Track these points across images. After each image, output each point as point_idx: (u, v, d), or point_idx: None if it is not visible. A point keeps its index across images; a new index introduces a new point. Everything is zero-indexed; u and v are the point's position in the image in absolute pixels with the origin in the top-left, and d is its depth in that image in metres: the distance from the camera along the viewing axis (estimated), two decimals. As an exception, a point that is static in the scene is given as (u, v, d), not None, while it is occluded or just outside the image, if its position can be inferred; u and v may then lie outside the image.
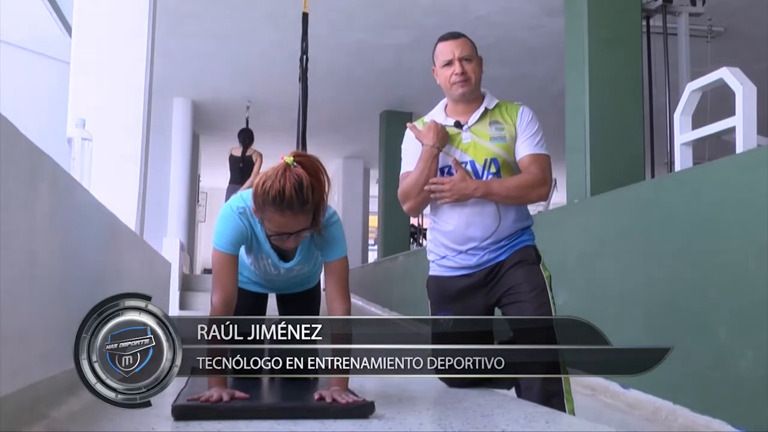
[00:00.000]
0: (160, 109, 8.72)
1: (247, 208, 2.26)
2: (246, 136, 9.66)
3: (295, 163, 2.06)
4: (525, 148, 2.66)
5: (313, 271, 2.56)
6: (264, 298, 2.75)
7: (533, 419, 2.11)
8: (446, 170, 2.66)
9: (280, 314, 2.78)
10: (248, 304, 2.56)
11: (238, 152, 9.56)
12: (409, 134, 2.79)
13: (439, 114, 2.75)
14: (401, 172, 2.81)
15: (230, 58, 9.32)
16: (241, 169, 9.37)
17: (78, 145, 4.40)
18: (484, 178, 2.63)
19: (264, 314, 2.78)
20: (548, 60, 8.58)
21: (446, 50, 2.67)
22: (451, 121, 2.70)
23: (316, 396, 2.07)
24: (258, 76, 9.95)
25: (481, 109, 2.68)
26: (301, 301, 2.70)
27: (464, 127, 2.67)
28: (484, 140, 2.65)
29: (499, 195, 2.61)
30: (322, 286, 2.42)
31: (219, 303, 2.19)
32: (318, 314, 2.83)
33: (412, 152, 2.76)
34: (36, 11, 7.13)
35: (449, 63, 2.66)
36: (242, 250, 2.36)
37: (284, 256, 2.37)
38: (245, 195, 2.30)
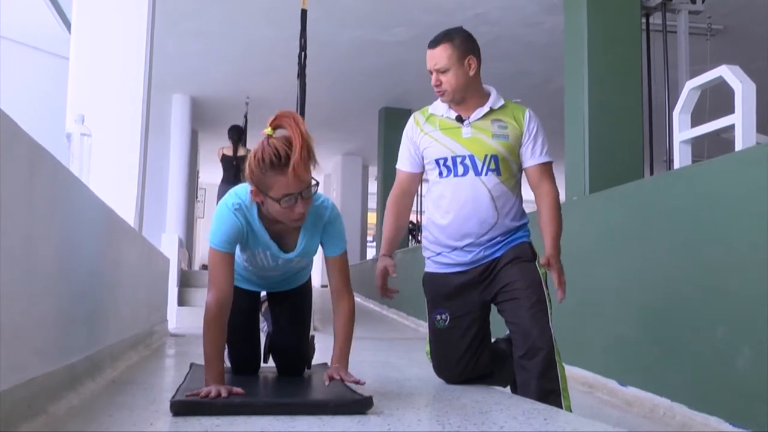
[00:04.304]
0: (158, 105, 8.67)
1: (242, 203, 2.27)
2: (236, 133, 9.39)
3: (275, 131, 2.12)
4: (533, 158, 2.69)
5: (307, 263, 2.57)
6: (257, 296, 2.75)
7: (531, 416, 2.11)
8: (442, 162, 2.68)
9: (272, 313, 2.79)
10: (242, 302, 2.56)
11: (230, 151, 9.30)
12: (409, 124, 2.81)
13: (442, 105, 2.75)
14: (397, 165, 2.86)
15: (229, 55, 9.31)
16: (235, 168, 9.14)
17: (77, 141, 4.39)
18: (483, 173, 2.64)
19: (258, 312, 2.79)
20: (547, 57, 8.58)
21: (427, 59, 2.69)
22: (453, 114, 2.70)
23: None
24: (256, 73, 9.94)
25: (486, 109, 2.68)
26: (293, 299, 2.70)
27: (465, 122, 2.68)
28: (486, 136, 2.65)
29: (559, 234, 2.66)
30: (318, 282, 2.43)
31: (213, 303, 2.18)
32: (311, 311, 2.84)
33: (405, 148, 2.82)
34: (35, 7, 7.12)
35: (430, 72, 2.69)
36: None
37: (285, 247, 2.37)
38: (239, 191, 2.31)
